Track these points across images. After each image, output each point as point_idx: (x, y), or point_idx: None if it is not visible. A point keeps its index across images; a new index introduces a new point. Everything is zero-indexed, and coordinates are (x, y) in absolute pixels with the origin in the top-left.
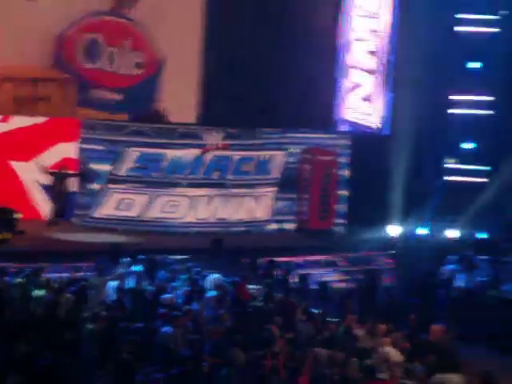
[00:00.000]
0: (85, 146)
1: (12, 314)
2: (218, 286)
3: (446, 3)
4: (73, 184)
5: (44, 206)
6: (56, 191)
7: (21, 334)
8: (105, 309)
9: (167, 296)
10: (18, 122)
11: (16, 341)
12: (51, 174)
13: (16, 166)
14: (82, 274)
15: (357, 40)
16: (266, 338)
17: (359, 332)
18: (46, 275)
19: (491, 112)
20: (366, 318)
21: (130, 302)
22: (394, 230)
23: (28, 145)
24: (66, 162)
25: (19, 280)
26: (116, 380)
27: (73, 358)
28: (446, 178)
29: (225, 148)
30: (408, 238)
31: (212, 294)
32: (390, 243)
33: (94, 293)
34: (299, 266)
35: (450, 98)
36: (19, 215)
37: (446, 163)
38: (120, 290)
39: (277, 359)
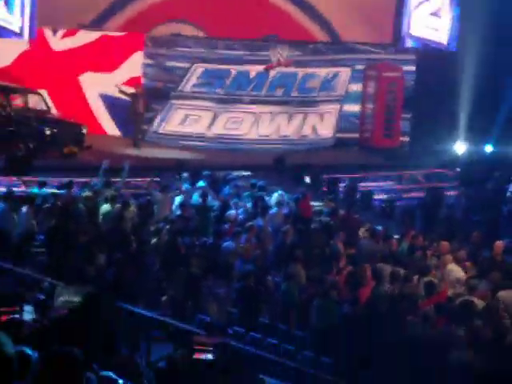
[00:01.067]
0: (149, 61)
1: (78, 228)
2: (280, 203)
3: None
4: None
5: (109, 122)
6: (133, 111)
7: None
8: (169, 223)
9: (231, 212)
10: (84, 36)
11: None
12: (128, 94)
13: (83, 81)
14: (147, 189)
15: None
16: (330, 254)
17: (423, 249)
18: (111, 190)
19: None
20: (430, 235)
21: (194, 216)
22: (459, 148)
23: (94, 61)
24: (133, 81)
25: (86, 193)
26: (185, 291)
27: (138, 270)
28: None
29: (288, 65)
30: (474, 156)
31: (275, 210)
32: (455, 160)
33: (159, 208)
34: (363, 182)
35: None
36: (86, 129)
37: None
38: (184, 205)
39: (340, 274)
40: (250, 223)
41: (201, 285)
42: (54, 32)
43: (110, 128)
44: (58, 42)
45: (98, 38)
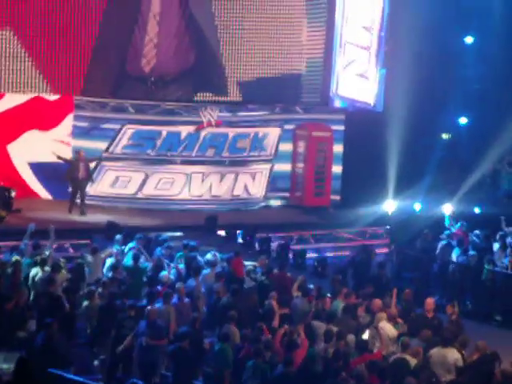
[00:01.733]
0: (77, 124)
1: (7, 293)
2: (213, 263)
3: None
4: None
5: (37, 186)
6: (71, 177)
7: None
8: (101, 286)
9: (164, 273)
10: (10, 100)
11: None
12: (67, 160)
13: (11, 149)
14: (78, 252)
15: (351, 15)
16: (264, 313)
17: (355, 307)
18: (42, 253)
19: (485, 86)
20: (361, 294)
21: (126, 279)
22: (388, 206)
23: (19, 124)
24: (61, 144)
25: (15, 258)
26: (114, 355)
27: (69, 335)
28: (440, 152)
29: (218, 125)
30: (403, 214)
31: (208, 270)
32: (384, 219)
33: (90, 270)
34: (295, 242)
35: (444, 73)
36: (14, 193)
37: (441, 138)
38: (116, 267)
39: (275, 334)
40: (179, 284)
41: (132, 347)
42: None
43: (42, 193)
44: None
45: (28, 100)
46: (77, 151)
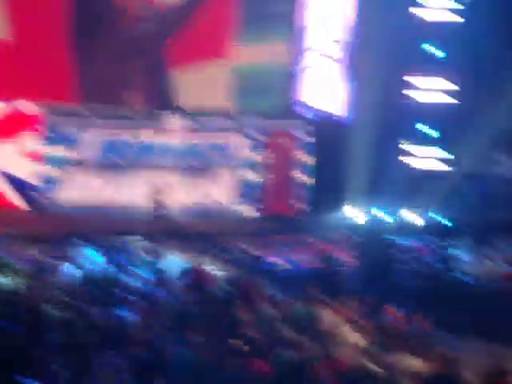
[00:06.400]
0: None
1: None
2: (178, 269)
3: None
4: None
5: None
6: None
7: None
8: (65, 294)
9: (127, 280)
10: None
11: None
12: None
13: None
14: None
15: (318, 25)
16: (231, 322)
17: (321, 314)
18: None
19: (451, 99)
20: (328, 301)
21: (89, 286)
22: (354, 215)
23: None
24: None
25: None
26: (73, 365)
27: (34, 344)
28: (406, 162)
29: (184, 132)
30: (369, 223)
31: (173, 278)
32: (350, 228)
33: (52, 277)
34: (262, 249)
35: (410, 84)
36: None
37: (406, 148)
38: (79, 274)
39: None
40: (146, 291)
41: (90, 357)
42: None
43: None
44: None
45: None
46: None
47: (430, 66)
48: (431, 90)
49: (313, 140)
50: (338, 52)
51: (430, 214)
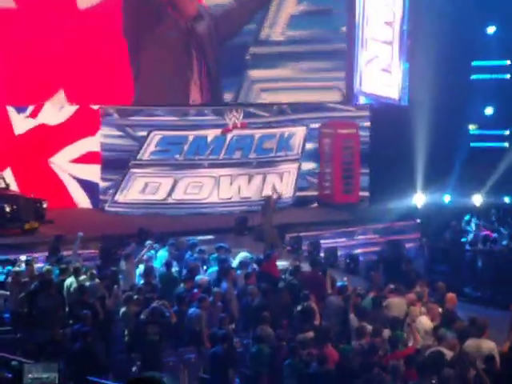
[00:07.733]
0: (106, 132)
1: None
2: (244, 264)
3: None
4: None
5: (80, 196)
6: None
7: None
8: (136, 292)
9: (201, 277)
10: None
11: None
12: None
13: (51, 160)
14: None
15: (373, 11)
16: (304, 314)
17: (389, 302)
18: (76, 262)
19: (508, 76)
20: (394, 288)
21: (159, 284)
22: (419, 199)
23: (56, 138)
24: (91, 155)
25: (47, 268)
26: (143, 362)
27: (106, 341)
28: (468, 144)
29: (243, 127)
30: (432, 207)
31: (239, 272)
32: (415, 212)
33: (124, 277)
34: (325, 239)
35: (468, 64)
36: (46, 204)
37: (468, 129)
38: (148, 273)
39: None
40: (216, 289)
41: (159, 352)
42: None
43: (82, 201)
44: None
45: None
46: None
47: (486, 44)
48: (488, 68)
49: (373, 127)
50: (393, 36)
51: (494, 193)
